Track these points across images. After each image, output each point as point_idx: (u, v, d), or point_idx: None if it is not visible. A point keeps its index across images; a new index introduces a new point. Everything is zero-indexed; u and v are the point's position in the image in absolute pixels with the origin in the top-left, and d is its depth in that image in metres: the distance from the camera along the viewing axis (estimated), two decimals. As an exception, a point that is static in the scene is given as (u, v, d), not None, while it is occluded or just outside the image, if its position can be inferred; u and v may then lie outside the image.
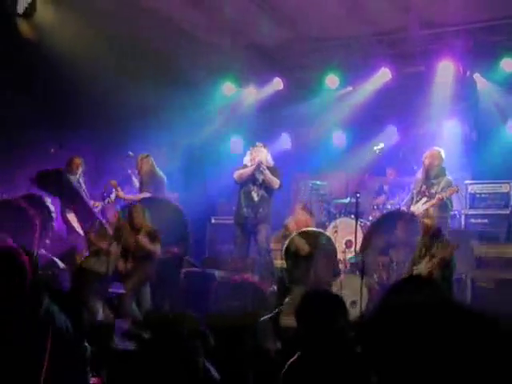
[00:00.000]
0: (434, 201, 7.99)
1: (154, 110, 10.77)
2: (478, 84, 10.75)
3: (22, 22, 9.20)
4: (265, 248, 8.65)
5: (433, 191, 8.14)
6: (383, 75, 11.30)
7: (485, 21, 10.20)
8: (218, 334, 6.03)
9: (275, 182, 8.71)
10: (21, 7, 9.08)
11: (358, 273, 9.34)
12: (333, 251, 10.98)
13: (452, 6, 9.80)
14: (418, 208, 8.17)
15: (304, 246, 8.36)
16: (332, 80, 11.67)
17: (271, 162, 8.90)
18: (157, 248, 8.74)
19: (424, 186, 8.27)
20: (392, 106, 11.38)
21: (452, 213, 8.98)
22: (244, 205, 8.68)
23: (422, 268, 8.10)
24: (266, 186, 8.74)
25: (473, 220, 9.28)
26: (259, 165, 8.43)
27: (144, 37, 10.04)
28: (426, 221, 8.19)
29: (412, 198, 8.41)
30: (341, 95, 11.76)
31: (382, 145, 8.63)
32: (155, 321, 6.98)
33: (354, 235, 8.65)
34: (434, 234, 8.18)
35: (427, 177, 8.23)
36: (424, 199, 8.17)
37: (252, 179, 8.71)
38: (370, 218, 10.11)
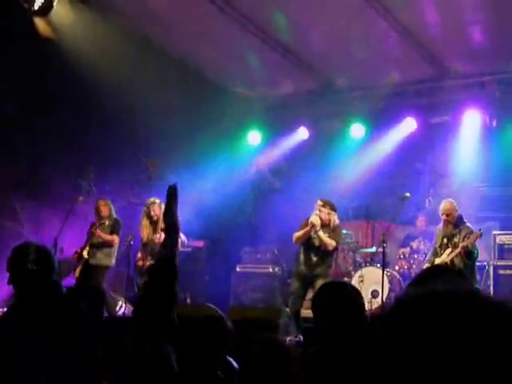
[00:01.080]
0: (458, 249, 7.90)
1: (184, 153, 10.86)
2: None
3: (38, 20, 9.19)
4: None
5: (455, 240, 8.05)
6: (409, 125, 11.38)
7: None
8: (240, 326, 6.07)
9: (329, 245, 8.36)
10: (37, 4, 9.05)
11: (378, 264, 9.34)
12: (354, 244, 11.01)
13: (476, 56, 9.96)
14: (443, 260, 8.06)
15: (330, 241, 8.28)
16: (357, 129, 11.74)
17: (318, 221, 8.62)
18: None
19: (445, 239, 8.18)
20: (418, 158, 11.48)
21: (480, 263, 8.81)
22: (302, 262, 8.61)
23: (444, 257, 8.06)
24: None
25: (502, 271, 9.07)
26: (312, 227, 8.43)
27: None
28: (445, 214, 8.15)
29: (435, 253, 8.30)
30: (367, 145, 11.74)
31: (407, 195, 8.45)
32: (176, 314, 7.03)
33: (380, 285, 8.57)
34: (455, 224, 8.13)
35: (450, 229, 8.15)
36: (448, 250, 8.08)
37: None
38: (397, 268, 10.01)
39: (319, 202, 8.52)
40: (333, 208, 8.50)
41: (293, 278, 8.65)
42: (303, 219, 8.57)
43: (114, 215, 9.00)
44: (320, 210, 8.42)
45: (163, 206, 8.62)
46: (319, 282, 8.12)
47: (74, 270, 8.66)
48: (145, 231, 8.76)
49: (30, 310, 3.42)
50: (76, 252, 8.79)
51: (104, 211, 8.91)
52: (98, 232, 8.75)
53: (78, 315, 3.45)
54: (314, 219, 8.31)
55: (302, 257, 8.47)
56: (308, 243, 8.44)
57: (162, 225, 8.64)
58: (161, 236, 8.49)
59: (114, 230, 8.88)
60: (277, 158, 12.36)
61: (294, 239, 8.57)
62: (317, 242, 8.38)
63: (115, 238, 8.86)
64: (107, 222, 8.86)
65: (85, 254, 8.71)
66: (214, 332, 3.63)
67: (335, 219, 8.48)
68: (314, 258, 8.39)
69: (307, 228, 8.35)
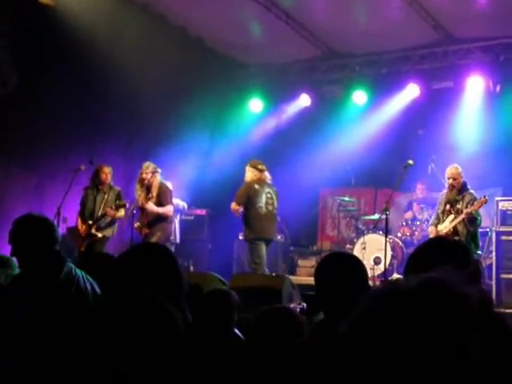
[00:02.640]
0: (462, 216, 7.88)
1: (181, 123, 10.83)
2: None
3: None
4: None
5: (458, 207, 8.02)
6: (411, 91, 11.30)
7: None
8: (243, 294, 6.10)
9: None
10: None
11: (381, 231, 9.36)
12: (356, 211, 11.04)
13: (480, 20, 9.83)
14: (446, 226, 8.04)
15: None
16: (360, 95, 11.67)
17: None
18: (167, 210, 8.71)
19: (448, 205, 8.14)
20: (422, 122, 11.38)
21: (483, 230, 8.80)
22: None
23: (447, 223, 8.06)
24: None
25: (504, 237, 9.04)
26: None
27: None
28: (452, 178, 8.11)
29: (438, 218, 8.28)
30: (369, 111, 11.70)
31: (410, 162, 8.36)
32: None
33: (382, 252, 8.59)
34: (459, 190, 8.10)
35: (455, 195, 8.11)
36: (451, 217, 8.05)
37: None
38: (399, 235, 10.07)
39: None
40: (251, 164, 8.98)
41: None
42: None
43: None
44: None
45: (158, 174, 8.67)
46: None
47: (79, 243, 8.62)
48: (139, 196, 8.71)
49: (31, 281, 3.42)
50: (84, 225, 8.70)
51: (107, 178, 8.81)
52: (111, 212, 8.61)
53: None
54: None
55: None
56: None
57: (153, 192, 8.62)
58: (148, 206, 8.48)
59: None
60: (278, 125, 12.32)
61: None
62: None
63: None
64: (111, 194, 8.76)
65: (93, 230, 8.63)
66: (221, 306, 3.65)
67: (247, 175, 8.92)
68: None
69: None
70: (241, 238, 11.09)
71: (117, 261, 2.46)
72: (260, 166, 8.90)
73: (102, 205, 8.66)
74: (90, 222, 8.62)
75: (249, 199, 8.71)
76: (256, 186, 8.75)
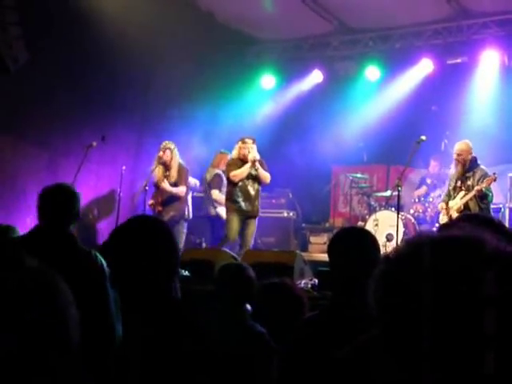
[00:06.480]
0: (472, 193, 7.82)
1: (194, 99, 10.79)
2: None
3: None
4: (249, 241, 8.61)
5: (469, 183, 7.96)
6: (425, 66, 11.15)
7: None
8: (254, 270, 6.12)
9: (268, 178, 8.69)
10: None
11: (393, 208, 9.33)
12: (368, 188, 11.02)
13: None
14: (457, 203, 7.98)
15: (268, 175, 8.60)
16: (373, 71, 11.55)
17: (258, 156, 8.71)
18: (179, 190, 8.80)
19: (459, 182, 8.07)
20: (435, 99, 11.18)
21: (496, 206, 8.76)
22: (242, 199, 8.63)
23: (457, 201, 8.02)
24: (258, 181, 8.70)
25: None
26: (254, 163, 8.52)
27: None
28: (462, 154, 8.06)
29: (449, 195, 8.22)
30: (382, 87, 11.58)
31: (423, 137, 8.23)
32: (192, 258, 7.12)
33: (394, 228, 8.54)
34: (469, 166, 8.05)
35: (461, 171, 8.04)
36: (462, 193, 7.99)
37: (247, 176, 8.70)
38: (411, 211, 10.01)
39: (249, 141, 8.65)
40: (254, 141, 8.72)
41: (231, 214, 8.67)
42: (236, 158, 8.68)
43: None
44: (252, 148, 8.60)
45: (176, 151, 8.71)
46: (252, 222, 8.58)
47: None
48: (157, 175, 8.80)
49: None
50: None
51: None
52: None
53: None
54: (253, 156, 8.49)
55: (239, 193, 8.61)
56: (245, 179, 8.62)
57: (171, 171, 8.69)
58: (164, 186, 8.57)
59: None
60: (291, 102, 12.27)
61: (235, 178, 8.64)
62: (255, 178, 8.60)
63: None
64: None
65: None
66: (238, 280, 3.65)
67: (255, 150, 8.68)
68: (253, 193, 8.62)
69: (248, 165, 8.52)
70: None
71: (112, 233, 2.30)
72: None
73: None
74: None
75: None
76: None
